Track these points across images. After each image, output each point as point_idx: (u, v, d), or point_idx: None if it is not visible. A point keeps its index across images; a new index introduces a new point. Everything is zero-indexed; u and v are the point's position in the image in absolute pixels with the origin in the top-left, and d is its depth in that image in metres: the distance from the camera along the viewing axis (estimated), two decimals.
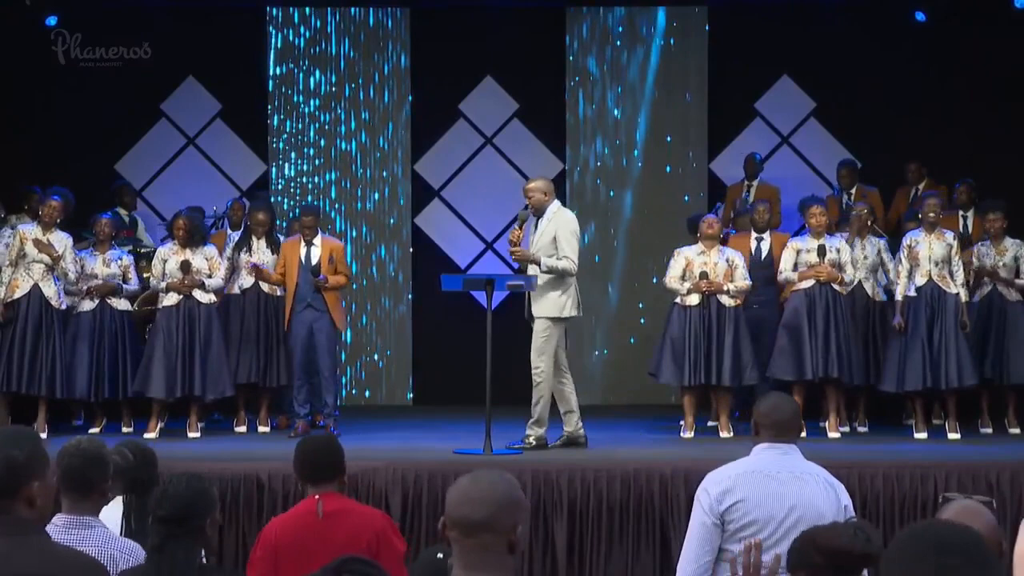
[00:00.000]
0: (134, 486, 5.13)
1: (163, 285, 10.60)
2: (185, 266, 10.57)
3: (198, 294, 10.58)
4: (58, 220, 10.64)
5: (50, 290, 10.57)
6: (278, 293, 10.97)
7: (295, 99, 14.01)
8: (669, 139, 13.98)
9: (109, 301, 10.79)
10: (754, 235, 11.39)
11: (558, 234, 9.58)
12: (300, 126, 14.00)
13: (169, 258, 10.66)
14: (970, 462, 8.87)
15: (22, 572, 3.14)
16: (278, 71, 14.01)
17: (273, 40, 14.01)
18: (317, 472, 5.21)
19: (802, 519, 4.62)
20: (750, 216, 11.63)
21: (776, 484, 4.72)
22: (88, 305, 10.80)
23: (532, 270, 9.58)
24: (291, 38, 14.05)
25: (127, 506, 5.14)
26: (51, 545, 3.32)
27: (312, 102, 14.01)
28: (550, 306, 9.56)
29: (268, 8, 14.02)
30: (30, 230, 10.63)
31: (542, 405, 9.63)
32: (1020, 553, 4.35)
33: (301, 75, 14.02)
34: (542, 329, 9.60)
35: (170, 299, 10.57)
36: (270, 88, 13.98)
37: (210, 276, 10.66)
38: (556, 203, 9.76)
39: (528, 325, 9.75)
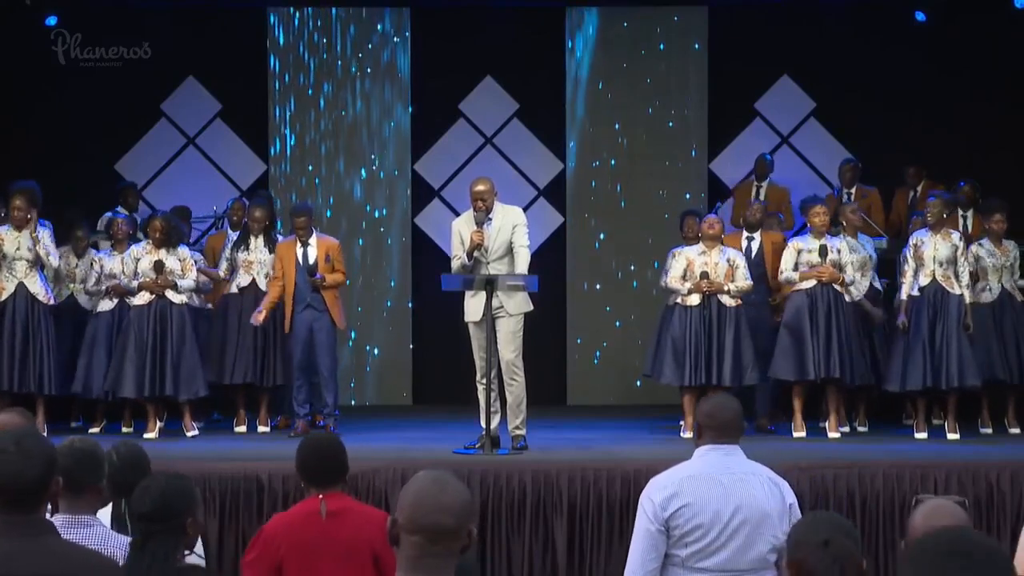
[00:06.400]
0: (120, 490, 5.01)
1: (135, 284, 10.59)
2: (158, 266, 10.55)
3: (170, 294, 10.55)
4: (28, 218, 10.57)
5: (36, 286, 10.55)
6: None
7: (295, 98, 14.00)
8: (669, 139, 13.98)
9: (128, 300, 10.80)
10: (745, 234, 11.35)
11: (516, 229, 9.53)
12: (300, 125, 14.00)
13: (142, 257, 10.64)
14: (970, 462, 8.84)
15: (29, 573, 3.15)
16: (278, 70, 14.01)
17: (273, 39, 14.01)
18: (321, 472, 5.17)
19: (747, 520, 4.68)
20: (746, 214, 11.59)
21: (720, 486, 4.75)
22: (107, 305, 10.91)
23: (495, 268, 9.47)
24: (291, 37, 14.05)
25: (115, 508, 5.11)
26: (62, 545, 3.32)
27: (312, 101, 14.01)
28: (521, 302, 9.51)
29: (268, 8, 14.02)
30: (4, 231, 10.57)
31: (525, 403, 9.61)
32: (1020, 561, 4.35)
33: (301, 74, 14.01)
34: (517, 328, 9.53)
35: (142, 298, 10.55)
36: (270, 88, 13.97)
37: (183, 277, 10.64)
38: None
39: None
